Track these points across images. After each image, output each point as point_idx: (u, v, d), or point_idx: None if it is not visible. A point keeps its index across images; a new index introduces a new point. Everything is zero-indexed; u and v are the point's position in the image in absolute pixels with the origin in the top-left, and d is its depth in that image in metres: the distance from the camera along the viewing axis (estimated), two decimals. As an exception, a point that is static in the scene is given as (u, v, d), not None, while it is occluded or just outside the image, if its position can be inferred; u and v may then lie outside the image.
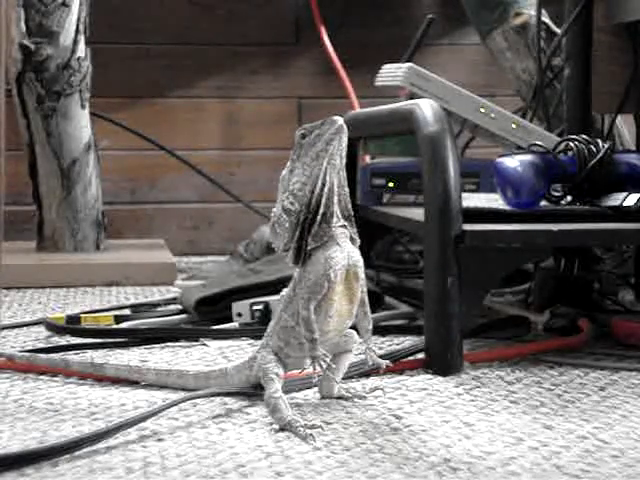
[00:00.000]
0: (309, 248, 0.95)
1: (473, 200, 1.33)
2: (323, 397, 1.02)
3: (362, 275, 0.97)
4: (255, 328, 1.34)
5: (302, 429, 0.89)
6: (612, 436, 0.90)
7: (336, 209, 0.96)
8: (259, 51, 2.46)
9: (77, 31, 1.97)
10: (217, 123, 2.46)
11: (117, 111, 2.33)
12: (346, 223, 0.97)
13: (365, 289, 0.98)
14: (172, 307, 1.53)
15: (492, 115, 1.52)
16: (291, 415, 0.92)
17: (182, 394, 1.00)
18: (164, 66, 2.40)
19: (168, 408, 0.95)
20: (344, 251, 0.96)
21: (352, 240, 0.97)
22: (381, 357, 1.12)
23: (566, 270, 1.47)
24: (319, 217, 0.95)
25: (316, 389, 1.03)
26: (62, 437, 0.89)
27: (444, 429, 0.92)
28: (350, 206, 0.97)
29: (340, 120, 0.95)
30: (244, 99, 2.46)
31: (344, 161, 0.96)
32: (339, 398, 1.02)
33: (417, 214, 1.26)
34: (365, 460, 0.83)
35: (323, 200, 0.95)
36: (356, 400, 1.01)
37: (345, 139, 0.95)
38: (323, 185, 0.95)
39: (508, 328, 1.34)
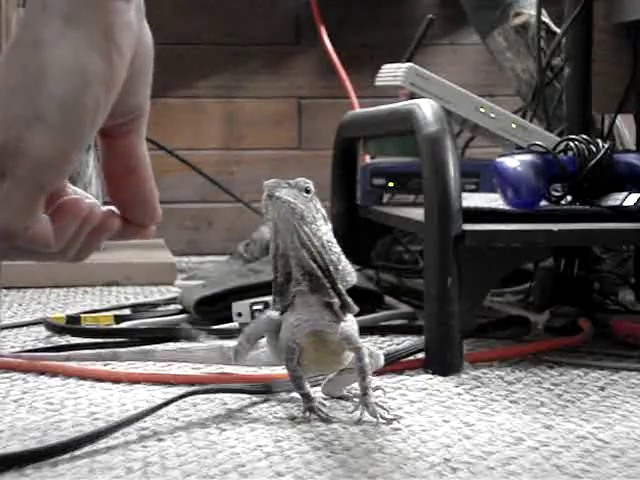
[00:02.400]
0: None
1: (473, 200, 1.33)
2: (325, 396, 1.02)
3: (335, 345, 0.93)
4: (255, 328, 1.34)
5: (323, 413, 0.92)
6: (612, 436, 0.90)
7: (295, 272, 0.91)
8: (259, 51, 2.46)
9: (77, 31, 1.97)
10: (217, 123, 2.46)
11: (117, 111, 2.33)
12: (304, 287, 0.91)
13: (361, 352, 0.92)
14: (172, 307, 1.53)
15: (492, 115, 1.52)
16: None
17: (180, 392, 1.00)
18: (164, 66, 2.39)
19: (166, 405, 0.95)
20: (300, 320, 0.92)
21: (327, 304, 0.92)
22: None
23: (566, 270, 1.47)
24: (278, 280, 0.92)
25: (316, 389, 1.03)
26: (62, 437, 0.89)
27: (444, 429, 0.92)
28: (322, 264, 0.91)
29: (269, 187, 0.89)
30: (244, 99, 2.46)
31: (305, 220, 0.89)
32: (339, 398, 1.02)
33: (417, 214, 1.26)
34: (365, 460, 0.83)
35: (276, 265, 0.92)
36: (356, 400, 1.01)
37: (285, 205, 0.88)
38: (275, 248, 0.91)
39: (508, 328, 1.34)
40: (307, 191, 0.90)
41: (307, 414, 0.94)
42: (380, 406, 0.93)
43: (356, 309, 0.94)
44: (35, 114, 0.63)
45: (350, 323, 0.94)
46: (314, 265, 0.90)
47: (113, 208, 0.72)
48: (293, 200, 0.89)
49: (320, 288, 0.92)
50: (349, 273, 0.94)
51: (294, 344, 0.93)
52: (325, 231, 0.91)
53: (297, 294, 0.92)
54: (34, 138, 0.62)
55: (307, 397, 0.95)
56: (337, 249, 0.92)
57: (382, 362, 1.01)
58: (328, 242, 0.91)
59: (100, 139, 0.70)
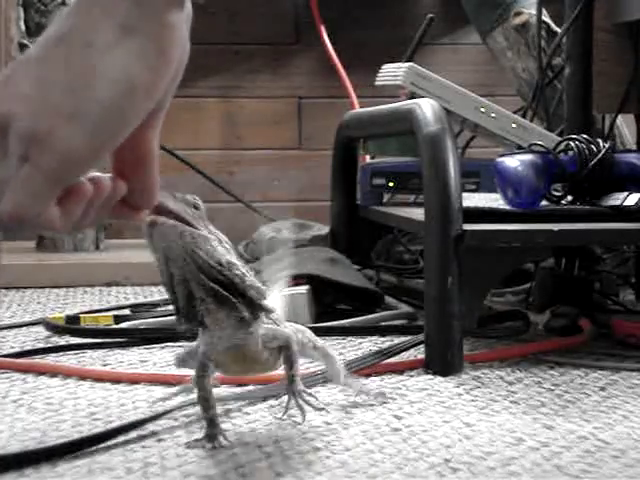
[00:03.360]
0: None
1: (473, 200, 1.33)
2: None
3: (256, 354, 0.87)
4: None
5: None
6: (613, 436, 0.90)
7: (197, 292, 0.83)
8: (259, 51, 2.46)
9: (77, 31, 1.97)
10: (217, 123, 2.46)
11: (117, 111, 2.32)
12: (210, 304, 0.84)
13: (289, 340, 0.88)
14: (172, 307, 1.53)
15: (492, 115, 1.52)
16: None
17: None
18: (164, 66, 2.39)
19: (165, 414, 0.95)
20: (214, 337, 0.86)
21: (238, 319, 0.85)
22: (379, 352, 1.13)
23: (566, 270, 1.47)
24: (180, 305, 0.86)
25: (315, 389, 1.03)
26: (62, 437, 0.88)
27: (444, 429, 0.92)
28: (226, 281, 0.83)
29: (151, 220, 0.81)
30: (244, 99, 2.46)
31: (196, 241, 0.82)
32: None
33: (417, 214, 1.26)
34: (365, 460, 0.83)
35: (174, 292, 0.86)
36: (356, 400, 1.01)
37: (172, 229, 0.82)
38: (169, 277, 0.85)
39: (506, 322, 1.35)
40: (195, 207, 0.85)
41: (206, 443, 0.86)
42: (310, 394, 0.89)
43: (274, 309, 0.89)
44: (74, 112, 0.64)
45: (271, 322, 0.89)
46: (217, 286, 0.83)
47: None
48: (180, 221, 0.83)
49: (227, 302, 0.84)
50: (257, 290, 0.85)
51: (207, 360, 0.87)
52: (223, 252, 0.83)
53: (204, 313, 0.85)
54: (67, 134, 0.64)
55: (211, 423, 0.87)
56: (241, 270, 0.84)
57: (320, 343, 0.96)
58: (228, 263, 0.83)
59: None
